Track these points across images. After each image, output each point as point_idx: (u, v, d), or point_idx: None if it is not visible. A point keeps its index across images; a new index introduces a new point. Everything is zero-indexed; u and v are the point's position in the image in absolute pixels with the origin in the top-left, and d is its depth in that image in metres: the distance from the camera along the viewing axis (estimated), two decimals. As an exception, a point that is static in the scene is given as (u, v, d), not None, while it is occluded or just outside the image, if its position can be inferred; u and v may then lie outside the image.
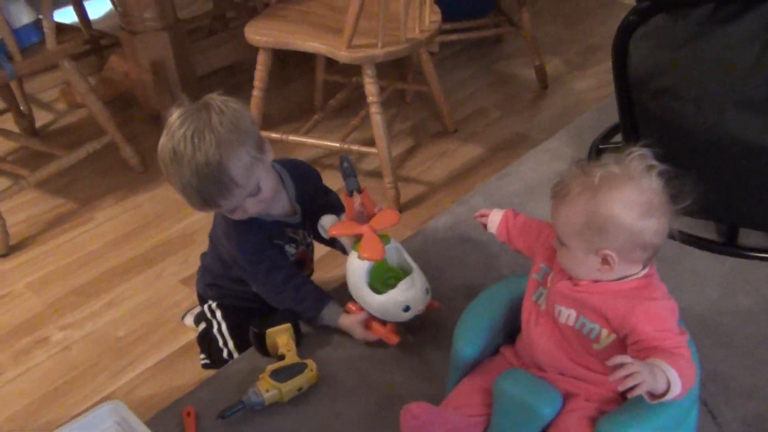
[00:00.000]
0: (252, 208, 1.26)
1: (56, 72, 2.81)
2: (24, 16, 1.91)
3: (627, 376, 0.90)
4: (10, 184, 1.96)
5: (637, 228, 0.98)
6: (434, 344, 1.37)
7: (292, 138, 2.06)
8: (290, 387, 1.26)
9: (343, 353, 1.37)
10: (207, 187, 1.19)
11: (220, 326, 1.47)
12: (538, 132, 2.24)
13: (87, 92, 2.03)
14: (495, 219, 1.26)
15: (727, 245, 1.55)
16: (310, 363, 1.29)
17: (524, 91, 2.52)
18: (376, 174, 2.11)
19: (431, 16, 1.97)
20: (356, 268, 1.32)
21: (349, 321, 1.36)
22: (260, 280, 1.36)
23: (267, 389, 1.25)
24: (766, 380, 1.26)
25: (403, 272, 1.35)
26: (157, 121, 2.40)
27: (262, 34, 1.92)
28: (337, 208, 1.43)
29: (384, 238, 1.32)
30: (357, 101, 2.24)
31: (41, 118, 2.53)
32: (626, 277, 1.03)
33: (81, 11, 2.81)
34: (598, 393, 1.05)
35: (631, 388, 0.90)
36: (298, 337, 1.36)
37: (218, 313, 1.48)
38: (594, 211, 0.99)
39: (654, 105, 1.40)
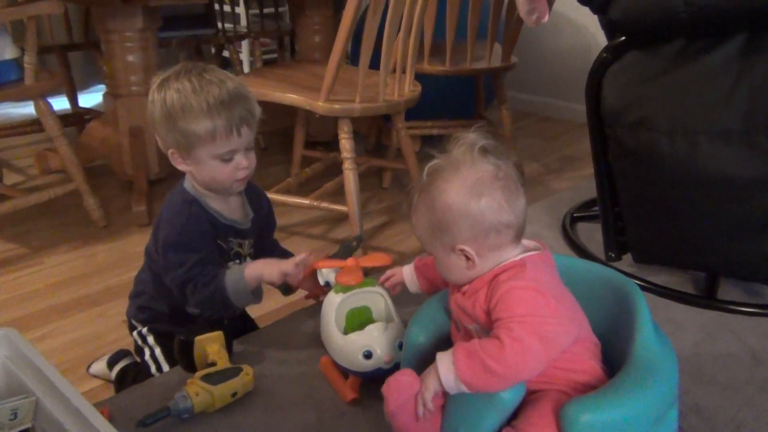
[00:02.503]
0: (243, 162, 1.19)
1: (33, 142, 2.83)
2: (6, 53, 1.93)
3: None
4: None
5: (474, 211, 0.92)
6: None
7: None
8: (223, 391, 1.11)
9: (285, 369, 1.23)
10: (237, 107, 1.15)
11: (153, 351, 1.33)
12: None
13: (59, 134, 1.99)
14: (409, 276, 1.20)
15: (707, 298, 1.46)
16: (246, 367, 1.15)
17: (501, 185, 2.51)
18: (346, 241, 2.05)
19: (411, 86, 2.00)
20: (330, 305, 1.18)
21: (262, 262, 1.20)
22: (186, 269, 1.18)
23: (197, 392, 1.10)
24: (753, 417, 1.13)
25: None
26: (128, 188, 2.36)
27: (241, 85, 1.93)
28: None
29: (369, 283, 1.19)
30: (333, 173, 2.22)
31: (10, 179, 2.49)
32: (502, 262, 0.95)
33: (72, 91, 2.88)
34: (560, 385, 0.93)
35: None
36: (230, 349, 1.22)
37: (150, 339, 1.34)
38: (431, 209, 0.95)
39: (630, 138, 1.38)
